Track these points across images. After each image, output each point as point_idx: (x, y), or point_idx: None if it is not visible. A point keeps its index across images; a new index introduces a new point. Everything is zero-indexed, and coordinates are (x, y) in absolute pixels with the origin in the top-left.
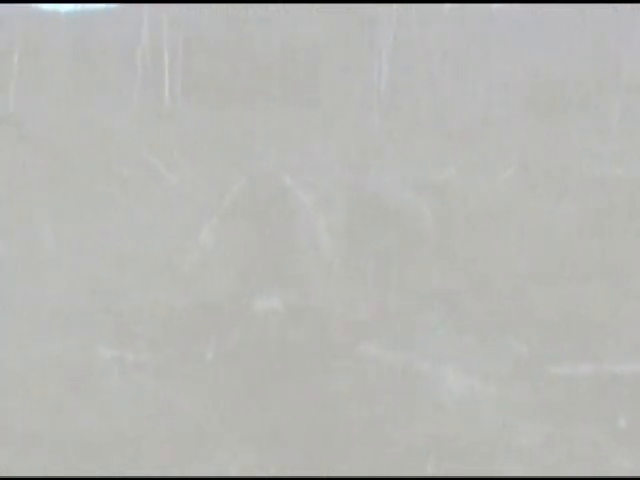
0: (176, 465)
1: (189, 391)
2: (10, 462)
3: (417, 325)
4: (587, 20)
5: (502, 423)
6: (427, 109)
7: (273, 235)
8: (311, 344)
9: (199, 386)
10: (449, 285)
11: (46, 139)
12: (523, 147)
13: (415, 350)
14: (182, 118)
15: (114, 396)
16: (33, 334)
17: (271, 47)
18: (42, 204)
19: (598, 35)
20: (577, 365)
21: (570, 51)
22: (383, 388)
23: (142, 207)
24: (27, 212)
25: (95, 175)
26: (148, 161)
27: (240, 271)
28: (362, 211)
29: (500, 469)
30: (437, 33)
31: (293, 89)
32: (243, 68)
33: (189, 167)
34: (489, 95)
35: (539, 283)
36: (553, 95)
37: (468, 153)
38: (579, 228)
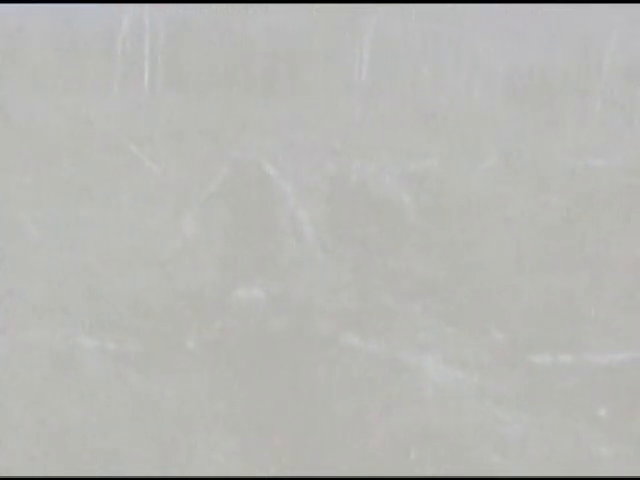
0: (158, 454)
1: (171, 380)
2: None
3: (400, 315)
4: (568, 10)
5: (483, 412)
6: (408, 99)
7: (255, 224)
8: (293, 334)
9: (180, 375)
10: (431, 275)
11: (26, 127)
12: (504, 137)
13: (398, 340)
14: (163, 107)
15: (95, 385)
16: (13, 322)
17: (253, 36)
18: (22, 192)
19: (579, 25)
20: (558, 354)
21: (551, 41)
22: (365, 378)
23: (123, 196)
24: (7, 200)
25: (76, 163)
26: (129, 150)
27: (222, 260)
28: (344, 201)
29: (481, 457)
30: (418, 23)
31: (275, 78)
32: (224, 57)
33: (170, 156)
34: (470, 85)
35: (521, 273)
36: (534, 85)
37: (449, 142)
38: (561, 218)
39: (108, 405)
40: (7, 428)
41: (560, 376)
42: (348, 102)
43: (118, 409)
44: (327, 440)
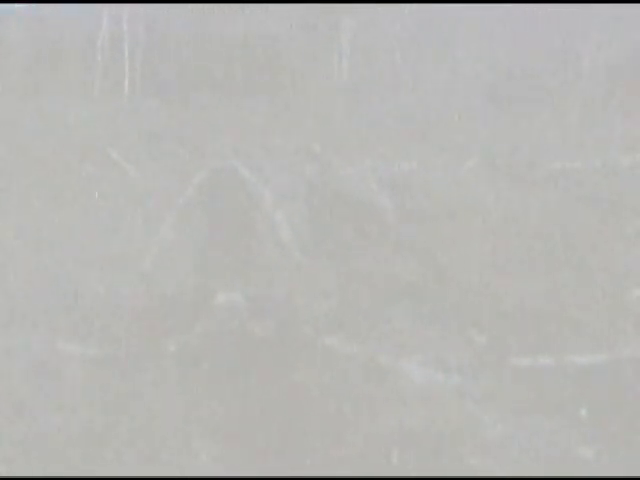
0: (140, 460)
1: (152, 385)
2: None
3: (380, 318)
4: (547, 12)
5: (464, 415)
6: (388, 102)
7: (234, 228)
8: (273, 337)
9: (162, 380)
10: (411, 278)
11: (4, 133)
12: (484, 139)
13: (378, 343)
14: (142, 111)
15: (75, 391)
16: None
17: (232, 40)
18: (0, 198)
19: (558, 27)
20: (538, 356)
21: (530, 44)
22: (346, 381)
23: (102, 201)
24: None
25: (55, 169)
26: (108, 155)
27: (201, 265)
28: (323, 204)
29: (463, 460)
30: (398, 25)
31: (254, 82)
32: (203, 61)
33: (149, 161)
34: (450, 87)
35: (501, 275)
36: (513, 87)
37: (429, 145)
38: (541, 220)
39: (89, 410)
40: None
41: (541, 378)
42: (328, 105)
43: (99, 414)
44: (308, 443)
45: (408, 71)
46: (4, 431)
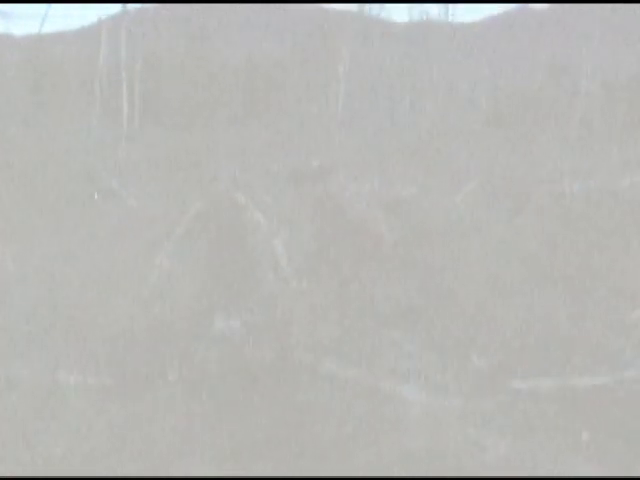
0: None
1: (153, 413)
2: None
3: (379, 342)
4: (545, 35)
5: (465, 437)
6: (387, 126)
7: (232, 255)
8: (273, 363)
9: (162, 407)
10: (412, 302)
11: (4, 161)
12: (483, 163)
13: (378, 367)
14: (140, 139)
15: (77, 420)
16: None
17: (229, 65)
18: (1, 226)
19: (556, 51)
20: (539, 379)
21: (528, 67)
22: (346, 405)
23: (100, 229)
24: None
25: (54, 197)
26: (106, 182)
27: (199, 292)
28: (321, 230)
29: None
30: (395, 49)
31: (250, 109)
32: (201, 89)
33: (147, 188)
34: (448, 111)
35: (501, 298)
36: (512, 112)
37: (429, 169)
38: (540, 243)
39: (90, 438)
40: None
41: (542, 401)
42: (326, 130)
43: (100, 442)
44: (309, 466)
45: (406, 95)
46: (8, 458)
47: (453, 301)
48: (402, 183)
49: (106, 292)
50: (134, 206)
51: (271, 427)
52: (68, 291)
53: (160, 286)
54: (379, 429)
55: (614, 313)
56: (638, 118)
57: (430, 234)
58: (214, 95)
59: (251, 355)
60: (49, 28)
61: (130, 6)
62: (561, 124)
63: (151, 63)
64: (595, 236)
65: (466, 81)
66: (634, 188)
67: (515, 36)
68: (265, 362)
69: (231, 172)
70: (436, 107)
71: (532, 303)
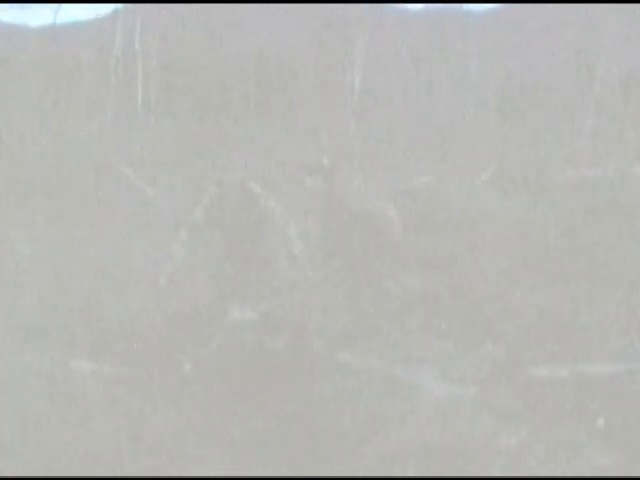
0: (156, 477)
1: (167, 403)
2: None
3: (394, 331)
4: (560, 23)
5: (482, 426)
6: (401, 115)
7: (246, 244)
8: (288, 353)
9: (177, 397)
10: (427, 290)
11: (20, 151)
12: (498, 151)
13: (393, 356)
14: (155, 129)
15: (92, 409)
16: (9, 347)
17: (243, 56)
18: (16, 216)
19: (571, 38)
20: (555, 367)
21: (543, 54)
22: (362, 395)
23: (116, 218)
24: (1, 224)
25: (69, 187)
26: (121, 172)
27: (214, 281)
28: (335, 218)
29: (480, 470)
30: (410, 38)
31: (265, 97)
32: (216, 78)
33: (162, 177)
34: (463, 100)
35: (516, 286)
36: (527, 98)
37: (443, 158)
38: (555, 231)
39: (105, 428)
40: (4, 451)
41: (558, 388)
42: (340, 120)
43: (115, 431)
44: (324, 456)
45: (420, 85)
46: (20, 447)
47: (469, 289)
48: (417, 172)
49: (121, 281)
50: (150, 196)
51: (285, 416)
52: (83, 279)
53: (175, 275)
54: (394, 418)
55: (631, 302)
56: None
57: (446, 222)
58: (229, 86)
59: (265, 344)
60: (64, 18)
61: None
62: (576, 112)
63: (166, 54)
64: (612, 223)
65: (481, 70)
66: None
67: (529, 25)
68: (279, 351)
69: (246, 163)
70: (451, 96)
71: (549, 291)
